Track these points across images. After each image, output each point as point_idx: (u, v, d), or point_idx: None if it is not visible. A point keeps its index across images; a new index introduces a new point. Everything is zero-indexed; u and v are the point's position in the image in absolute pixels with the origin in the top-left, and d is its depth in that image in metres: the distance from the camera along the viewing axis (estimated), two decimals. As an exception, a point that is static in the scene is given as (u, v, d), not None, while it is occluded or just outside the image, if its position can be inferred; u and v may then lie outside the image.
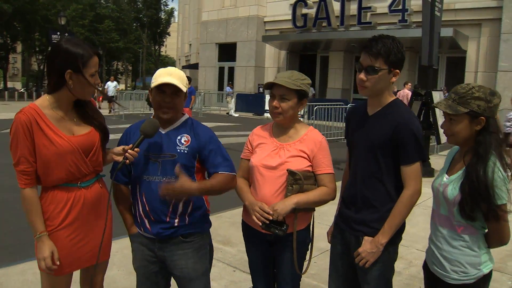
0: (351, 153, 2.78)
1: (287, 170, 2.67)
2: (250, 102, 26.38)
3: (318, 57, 28.30)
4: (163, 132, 2.62)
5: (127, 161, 2.45)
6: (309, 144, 2.75)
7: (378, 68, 2.47)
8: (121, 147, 2.54)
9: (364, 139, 2.62)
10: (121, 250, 4.62)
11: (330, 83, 26.52)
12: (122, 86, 39.72)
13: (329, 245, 2.91)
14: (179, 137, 2.60)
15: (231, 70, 30.36)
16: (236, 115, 25.26)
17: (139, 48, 61.42)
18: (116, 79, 29.63)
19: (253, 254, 2.96)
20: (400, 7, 21.47)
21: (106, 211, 2.58)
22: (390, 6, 21.83)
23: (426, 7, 9.48)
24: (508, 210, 2.24)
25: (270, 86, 2.79)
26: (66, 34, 21.81)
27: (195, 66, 35.80)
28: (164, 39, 71.76)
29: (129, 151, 2.45)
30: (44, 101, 2.43)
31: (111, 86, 25.48)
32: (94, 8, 50.30)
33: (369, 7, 22.82)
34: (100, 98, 23.64)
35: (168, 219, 2.58)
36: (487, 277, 2.37)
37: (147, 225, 2.62)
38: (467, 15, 20.84)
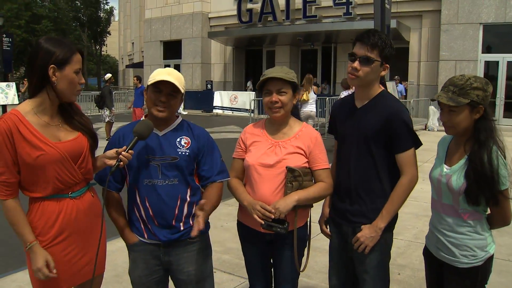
0: (341, 146, 2.77)
1: (287, 167, 2.62)
2: (198, 100, 26.13)
3: (264, 52, 28.34)
4: (160, 134, 2.53)
5: (121, 163, 2.31)
6: (305, 140, 2.72)
7: (373, 59, 2.51)
8: (113, 150, 2.37)
9: (356, 131, 2.64)
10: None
11: (277, 77, 26.60)
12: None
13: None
14: (178, 139, 2.53)
15: (177, 67, 29.93)
16: (185, 112, 24.95)
17: (79, 48, 59.77)
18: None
19: (251, 254, 2.89)
20: (344, 0, 21.78)
21: (100, 222, 2.42)
22: (334, -1, 22.12)
23: (377, 0, 9.65)
24: (509, 195, 2.34)
25: (263, 83, 2.72)
26: (4, 36, 20.83)
27: (139, 65, 35.16)
28: (105, 38, 70.12)
29: (123, 153, 2.30)
30: (26, 106, 2.24)
31: None
32: (30, 8, 48.37)
33: (314, 1, 23.02)
34: None
35: (174, 223, 2.50)
36: (492, 257, 2.48)
37: (152, 231, 2.52)
38: (408, 7, 21.44)
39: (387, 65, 2.58)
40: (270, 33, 24.81)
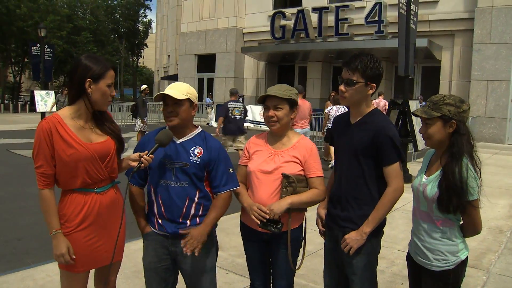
0: (337, 157, 3.06)
1: (282, 174, 2.94)
2: (230, 113, 26.51)
3: (297, 68, 28.70)
4: (177, 142, 2.89)
5: (142, 165, 2.70)
6: (301, 150, 3.03)
7: (355, 81, 2.81)
8: (137, 154, 2.78)
9: (348, 145, 2.93)
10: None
11: (308, 93, 26.82)
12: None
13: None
14: (192, 149, 2.88)
15: (211, 81, 30.57)
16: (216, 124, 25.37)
17: (117, 60, 61.08)
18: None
19: (251, 252, 3.21)
20: (376, 19, 21.99)
21: (120, 215, 2.80)
22: (366, 17, 22.36)
23: (402, 20, 9.85)
24: (478, 205, 2.58)
25: (263, 100, 3.06)
26: (46, 46, 21.73)
27: (174, 77, 35.90)
28: (142, 50, 71.66)
29: (144, 156, 2.70)
30: (65, 111, 2.69)
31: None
32: (72, 20, 49.96)
33: (346, 19, 23.32)
34: None
35: (181, 220, 2.85)
36: (464, 262, 2.70)
37: (162, 224, 2.88)
38: (440, 26, 21.50)
39: (374, 84, 2.85)
40: (303, 49, 25.11)
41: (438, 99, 2.66)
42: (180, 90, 2.85)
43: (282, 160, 3.00)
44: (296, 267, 3.08)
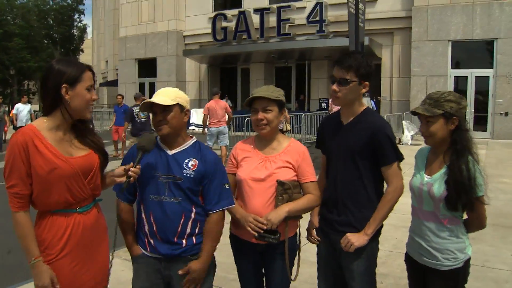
0: (329, 160, 2.91)
1: (277, 181, 2.77)
2: (174, 117, 26.09)
3: (239, 69, 28.57)
4: (169, 154, 2.63)
5: (131, 179, 2.45)
6: (294, 155, 2.87)
7: (349, 80, 2.70)
8: (121, 168, 2.50)
9: (343, 147, 2.80)
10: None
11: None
12: (35, 107, 37.22)
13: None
14: (186, 161, 2.62)
15: (152, 85, 29.93)
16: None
17: (52, 67, 58.83)
18: (29, 101, 27.03)
19: (244, 265, 3.00)
20: (317, 18, 22.15)
21: (103, 236, 2.53)
22: (308, 17, 22.50)
23: (351, 18, 9.98)
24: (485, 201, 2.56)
25: (250, 102, 2.88)
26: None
27: (114, 83, 34.98)
28: (78, 56, 69.52)
29: (131, 169, 2.45)
30: (41, 123, 2.36)
31: (24, 111, 17.50)
32: (1, 25, 47.72)
33: (288, 19, 23.40)
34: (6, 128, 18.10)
35: (176, 240, 2.58)
36: (469, 259, 2.68)
37: (154, 245, 2.60)
38: (380, 24, 21.94)
39: (367, 83, 2.76)
40: (245, 51, 25.00)
41: (438, 96, 2.59)
42: (168, 95, 2.62)
43: (274, 166, 2.83)
44: (292, 277, 2.93)
